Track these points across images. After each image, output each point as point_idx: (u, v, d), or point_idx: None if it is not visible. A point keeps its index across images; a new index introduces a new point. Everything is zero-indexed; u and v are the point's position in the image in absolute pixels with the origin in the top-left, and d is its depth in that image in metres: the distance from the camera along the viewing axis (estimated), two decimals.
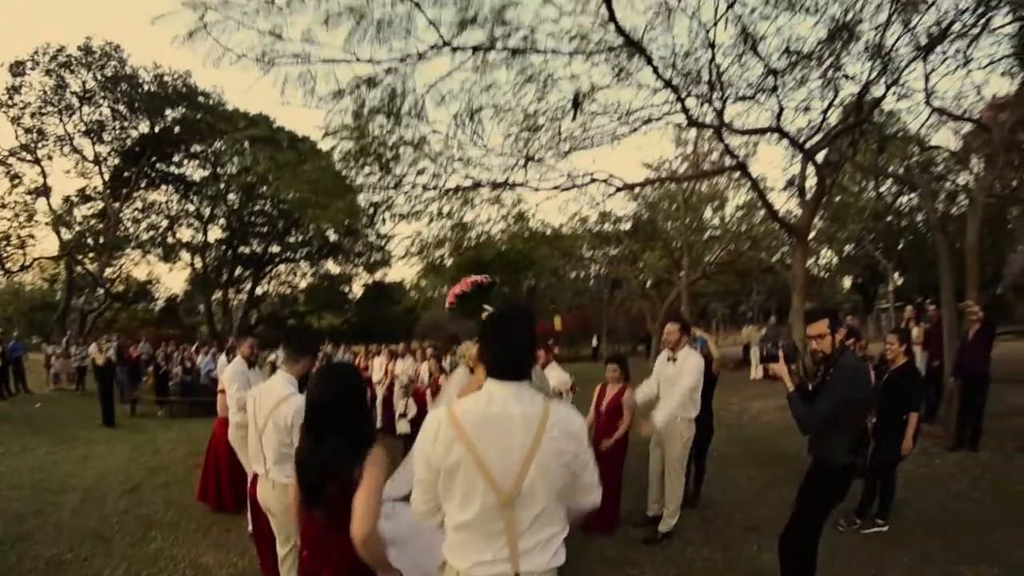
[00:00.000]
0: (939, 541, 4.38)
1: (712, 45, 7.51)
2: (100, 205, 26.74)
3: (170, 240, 29.73)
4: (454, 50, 6.88)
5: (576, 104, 8.03)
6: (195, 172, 29.62)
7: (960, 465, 6.13)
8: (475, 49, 6.98)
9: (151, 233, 29.16)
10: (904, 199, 17.86)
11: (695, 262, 19.01)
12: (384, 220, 9.80)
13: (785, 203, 15.66)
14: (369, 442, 1.92)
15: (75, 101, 24.33)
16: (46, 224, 24.78)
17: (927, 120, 10.07)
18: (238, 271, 32.70)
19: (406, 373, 8.69)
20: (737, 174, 14.09)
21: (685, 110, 8.40)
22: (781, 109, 8.57)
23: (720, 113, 8.59)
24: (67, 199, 26.31)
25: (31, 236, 24.59)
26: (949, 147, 13.16)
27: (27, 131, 23.89)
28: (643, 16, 7.51)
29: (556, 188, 9.48)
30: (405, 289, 39.88)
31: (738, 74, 8.24)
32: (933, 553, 4.18)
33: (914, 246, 20.95)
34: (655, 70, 7.56)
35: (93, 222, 26.79)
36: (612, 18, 6.75)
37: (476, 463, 1.50)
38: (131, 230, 28.41)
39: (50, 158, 24.88)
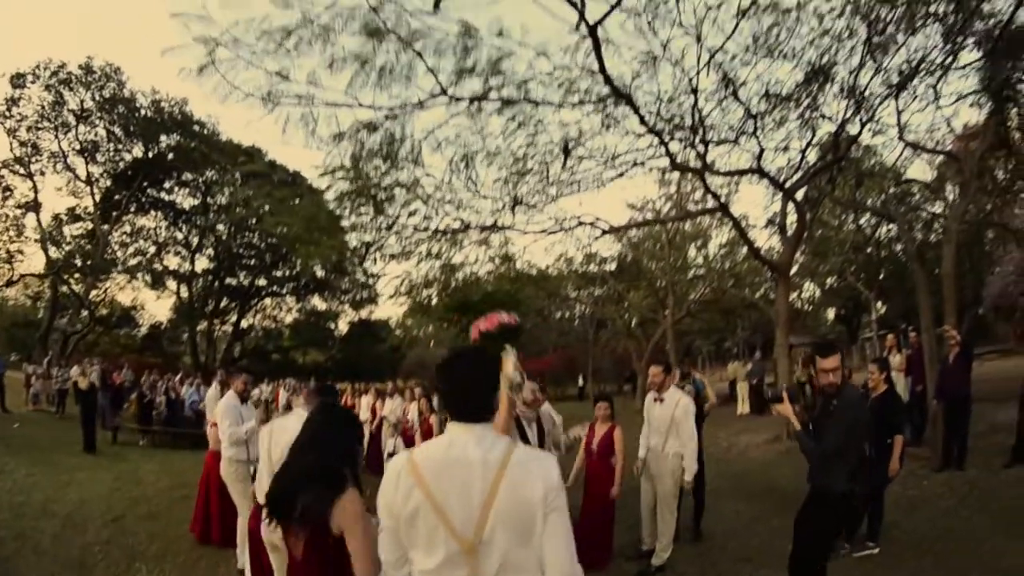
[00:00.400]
0: (930, 559, 4.48)
1: (695, 91, 7.88)
2: (89, 226, 26.45)
3: (157, 267, 29.43)
4: (451, 99, 7.14)
5: (566, 152, 8.37)
6: (185, 200, 29.63)
7: (948, 484, 6.25)
8: (471, 100, 7.28)
9: (138, 259, 28.87)
10: (883, 229, 18.39)
11: (679, 301, 19.28)
12: (375, 260, 9.94)
13: (768, 240, 16.08)
14: (344, 476, 1.96)
15: (72, 119, 24.32)
16: (35, 241, 24.49)
17: (901, 154, 10.62)
18: (224, 302, 32.32)
19: (394, 413, 8.69)
20: (720, 214, 14.51)
21: (669, 154, 8.73)
22: (762, 150, 8.95)
23: (703, 156, 8.92)
24: (56, 217, 26.08)
25: (20, 252, 24.29)
26: (924, 179, 13.85)
27: (22, 144, 23.78)
28: (629, 65, 7.84)
29: (544, 231, 9.66)
30: (391, 327, 39.73)
31: (720, 118, 8.66)
32: (924, 571, 4.28)
33: (894, 275, 21.45)
34: (641, 119, 7.92)
35: (82, 242, 26.48)
36: (603, 70, 7.09)
37: (435, 510, 1.45)
38: (118, 254, 28.11)
39: (42, 174, 24.73)
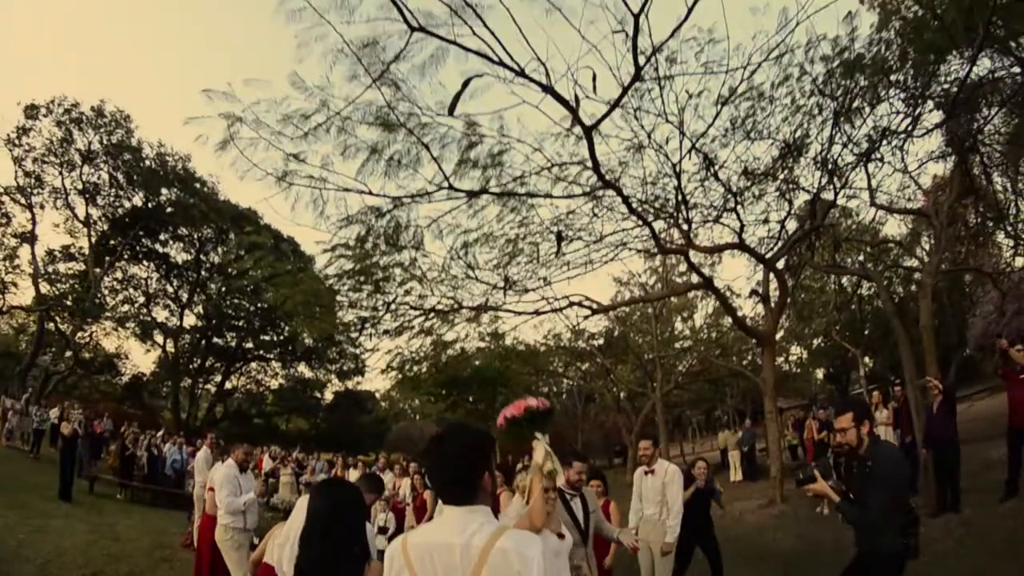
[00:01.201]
0: None
1: (678, 174, 8.43)
2: (82, 267, 26.22)
3: (146, 318, 28.94)
4: (451, 188, 7.53)
5: (559, 240, 8.86)
6: (179, 255, 29.69)
7: (944, 528, 6.22)
8: (473, 193, 7.77)
9: (126, 307, 28.50)
10: (865, 286, 18.69)
11: (667, 373, 19.42)
12: (370, 335, 10.07)
13: (753, 308, 16.50)
14: (363, 553, 2.04)
15: (77, 158, 24.60)
16: (28, 275, 24.18)
17: (875, 216, 11.20)
18: (209, 361, 31.69)
19: (386, 486, 8.58)
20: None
21: (655, 235, 9.16)
22: (742, 225, 9.47)
23: (686, 234, 9.38)
24: (50, 252, 25.89)
25: (14, 284, 23.96)
26: (899, 234, 14.63)
27: (27, 174, 23.91)
28: (616, 154, 8.44)
29: (535, 313, 9.95)
30: (376, 398, 39.07)
31: (702, 196, 9.22)
32: None
33: (879, 329, 21.54)
34: (630, 207, 8.42)
35: (74, 283, 26.16)
36: (595, 167, 7.57)
37: None
38: (108, 300, 27.68)
39: (42, 207, 24.70)
